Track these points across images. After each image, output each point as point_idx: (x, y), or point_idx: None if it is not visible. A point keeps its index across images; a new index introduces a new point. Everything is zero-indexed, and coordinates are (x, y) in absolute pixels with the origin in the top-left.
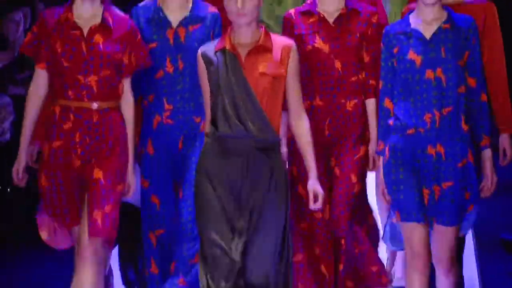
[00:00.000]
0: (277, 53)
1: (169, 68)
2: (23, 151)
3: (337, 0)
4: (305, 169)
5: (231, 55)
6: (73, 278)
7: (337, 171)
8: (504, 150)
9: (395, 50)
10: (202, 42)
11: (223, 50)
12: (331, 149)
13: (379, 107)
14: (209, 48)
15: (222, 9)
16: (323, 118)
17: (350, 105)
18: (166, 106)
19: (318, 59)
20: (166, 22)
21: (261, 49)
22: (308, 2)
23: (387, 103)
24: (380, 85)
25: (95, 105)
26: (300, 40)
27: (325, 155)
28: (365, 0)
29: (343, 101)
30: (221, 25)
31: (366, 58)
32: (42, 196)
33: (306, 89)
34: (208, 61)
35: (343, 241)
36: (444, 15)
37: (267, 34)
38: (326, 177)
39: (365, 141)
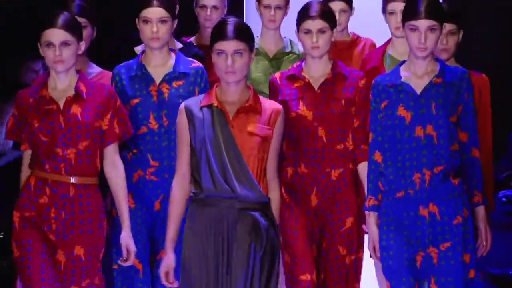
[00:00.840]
0: (266, 115)
1: (153, 125)
2: None
3: (323, 65)
4: (291, 236)
5: (219, 112)
6: None
7: (325, 245)
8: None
9: (384, 104)
10: (186, 98)
11: (210, 106)
12: (318, 219)
13: (368, 161)
14: (194, 102)
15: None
16: (309, 186)
17: (335, 174)
18: (152, 162)
19: (302, 126)
20: (149, 79)
21: (250, 109)
22: (295, 65)
23: (377, 156)
24: (370, 138)
25: (73, 180)
26: (284, 106)
27: (312, 224)
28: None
29: (327, 170)
30: (207, 79)
31: (356, 123)
32: (17, 269)
33: (291, 155)
34: (192, 115)
35: None
36: (436, 68)
37: (256, 95)
38: (312, 246)
39: (352, 211)
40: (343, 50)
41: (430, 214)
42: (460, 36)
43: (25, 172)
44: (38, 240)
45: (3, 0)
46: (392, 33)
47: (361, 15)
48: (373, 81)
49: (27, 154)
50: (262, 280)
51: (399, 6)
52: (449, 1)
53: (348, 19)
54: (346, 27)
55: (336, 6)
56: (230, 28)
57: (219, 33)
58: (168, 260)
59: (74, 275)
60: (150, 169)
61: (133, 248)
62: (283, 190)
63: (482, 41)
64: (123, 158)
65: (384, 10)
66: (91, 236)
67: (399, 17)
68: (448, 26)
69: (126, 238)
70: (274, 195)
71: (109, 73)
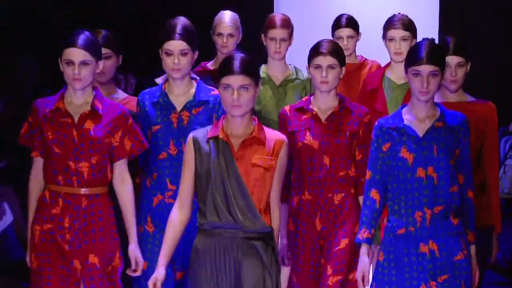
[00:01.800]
0: (269, 145)
1: (173, 151)
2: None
3: (331, 99)
4: (301, 259)
5: (224, 144)
6: None
7: (322, 262)
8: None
9: (387, 145)
10: (204, 124)
11: (215, 138)
12: (322, 240)
13: (364, 196)
14: (201, 134)
15: None
16: (312, 212)
17: (337, 198)
18: (170, 186)
19: (308, 155)
20: (170, 106)
21: (255, 140)
22: (304, 99)
23: (373, 193)
24: (368, 175)
25: (84, 191)
26: (292, 137)
27: (317, 249)
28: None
29: (330, 195)
30: None
31: (358, 156)
32: (32, 280)
33: (295, 184)
34: (198, 147)
35: None
36: (437, 112)
37: (260, 127)
38: (316, 272)
39: (349, 234)
40: (351, 72)
41: (431, 251)
42: (468, 67)
43: (34, 176)
44: (56, 252)
45: (3, 0)
46: (391, 58)
47: (366, 39)
48: (375, 123)
49: (37, 161)
50: None
51: (398, 33)
52: (456, 35)
53: (355, 44)
54: (354, 51)
55: (344, 33)
56: (236, 63)
57: (225, 68)
58: (158, 275)
59: (93, 283)
60: (168, 193)
61: (141, 260)
62: (290, 220)
63: (481, 41)
64: (143, 185)
65: (384, 36)
66: (103, 244)
67: (397, 43)
68: (456, 59)
69: (134, 251)
70: (276, 223)
71: (135, 99)
